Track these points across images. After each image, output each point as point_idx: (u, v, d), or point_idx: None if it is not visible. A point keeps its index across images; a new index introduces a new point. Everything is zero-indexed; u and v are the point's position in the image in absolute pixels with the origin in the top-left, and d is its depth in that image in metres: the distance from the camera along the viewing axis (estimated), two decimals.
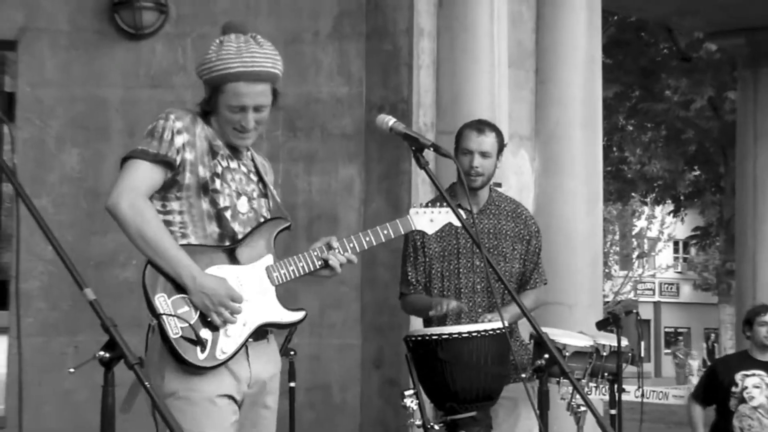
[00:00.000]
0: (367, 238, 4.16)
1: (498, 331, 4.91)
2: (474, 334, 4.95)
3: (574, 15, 7.91)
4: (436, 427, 4.90)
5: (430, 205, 4.49)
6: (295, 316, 4.08)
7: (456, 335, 4.96)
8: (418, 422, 4.87)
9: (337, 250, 4.06)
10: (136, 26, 7.70)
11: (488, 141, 5.48)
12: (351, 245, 4.12)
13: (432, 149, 3.93)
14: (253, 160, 4.19)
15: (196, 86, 7.78)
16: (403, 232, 4.27)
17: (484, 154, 5.44)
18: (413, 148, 3.97)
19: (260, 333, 4.01)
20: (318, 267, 4.06)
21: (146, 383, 2.97)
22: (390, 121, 4.05)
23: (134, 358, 3.04)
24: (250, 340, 3.96)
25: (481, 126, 5.57)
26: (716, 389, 7.66)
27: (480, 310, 5.42)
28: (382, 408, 7.42)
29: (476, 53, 7.34)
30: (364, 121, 7.65)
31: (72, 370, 3.22)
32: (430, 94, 7.44)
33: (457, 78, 7.36)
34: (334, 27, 7.80)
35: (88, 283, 3.10)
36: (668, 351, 51.34)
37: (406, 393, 4.90)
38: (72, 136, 7.74)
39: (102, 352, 3.09)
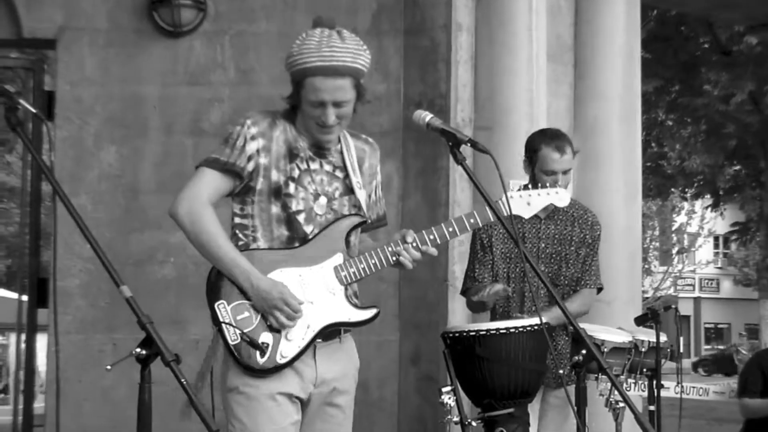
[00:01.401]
0: (450, 229, 4.11)
1: (536, 328, 4.89)
2: (512, 330, 4.93)
3: (613, 9, 7.86)
4: (474, 423, 4.89)
5: (528, 187, 4.36)
6: (366, 314, 4.07)
7: (494, 331, 4.94)
8: (456, 419, 4.86)
9: (412, 245, 4.03)
10: (175, 24, 7.73)
11: (569, 157, 5.46)
12: (431, 237, 4.07)
13: (469, 145, 3.91)
14: (342, 152, 4.17)
15: (234, 83, 7.89)
16: (492, 219, 4.15)
17: (565, 173, 5.44)
18: (450, 143, 3.95)
19: (330, 333, 4.02)
20: (392, 262, 4.05)
21: (182, 380, 2.98)
22: (427, 116, 4.04)
23: (171, 355, 3.05)
24: (319, 340, 3.98)
25: (561, 144, 5.47)
26: (764, 383, 7.58)
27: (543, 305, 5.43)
28: (420, 404, 7.42)
29: (514, 48, 7.31)
30: (402, 117, 7.64)
31: (109, 367, 3.24)
32: (468, 89, 7.42)
33: (495, 73, 7.33)
34: (372, 23, 7.80)
35: (125, 281, 3.12)
36: (708, 347, 51.10)
37: (444, 389, 4.89)
38: (110, 134, 7.78)
39: (139, 349, 3.11)
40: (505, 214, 4.10)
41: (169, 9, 7.70)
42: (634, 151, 7.96)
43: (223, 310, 3.88)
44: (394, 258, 4.03)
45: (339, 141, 4.18)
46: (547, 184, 4.59)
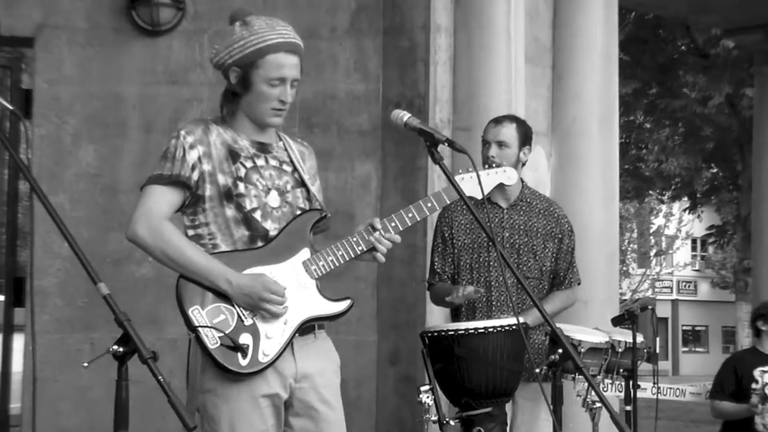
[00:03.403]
0: (410, 214, 4.13)
1: (514, 327, 4.90)
2: (490, 329, 4.95)
3: (591, 11, 7.89)
4: (452, 423, 4.90)
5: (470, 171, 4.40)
6: (340, 306, 4.06)
7: (472, 331, 4.96)
8: (434, 418, 4.87)
9: (379, 233, 4.03)
10: (153, 23, 7.71)
11: (505, 131, 5.51)
12: (393, 224, 4.09)
13: (447, 144, 3.92)
14: (286, 149, 4.17)
15: (213, 83, 7.81)
16: (448, 201, 4.21)
17: (500, 144, 5.47)
18: (428, 143, 3.96)
19: (305, 329, 4.00)
20: (359, 252, 4.03)
21: (160, 377, 2.98)
22: (405, 116, 4.04)
23: (148, 352, 3.04)
24: (296, 336, 3.95)
25: (500, 118, 5.65)
26: (737, 385, 7.61)
27: (511, 305, 5.42)
28: (398, 404, 7.42)
29: (493, 49, 7.33)
30: (381, 117, 7.64)
31: (86, 364, 3.23)
32: (447, 90, 7.44)
33: (473, 74, 7.35)
34: (351, 23, 7.80)
35: (104, 280, 3.11)
36: (685, 349, 51.28)
37: (422, 389, 4.90)
38: (89, 133, 7.75)
39: (116, 347, 3.10)
40: (452, 199, 4.14)
41: (147, 8, 7.68)
42: (611, 152, 7.99)
43: (198, 314, 3.82)
44: (360, 248, 4.02)
45: (280, 138, 4.18)
46: (494, 165, 4.66)
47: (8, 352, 8.14)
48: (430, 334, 5.07)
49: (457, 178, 4.22)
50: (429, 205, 4.18)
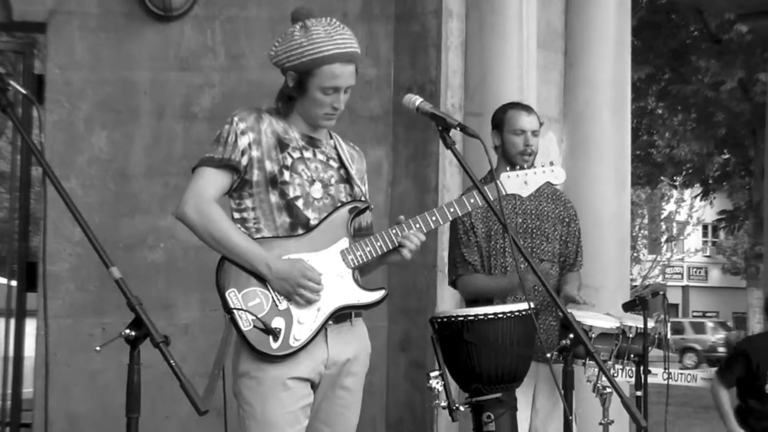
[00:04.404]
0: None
1: (524, 313, 4.90)
2: (500, 315, 4.95)
3: None
4: (462, 408, 4.91)
5: (518, 168, 4.45)
6: (374, 296, 4.15)
7: (482, 316, 4.95)
8: (444, 404, 4.87)
9: (410, 230, 4.13)
10: (165, 8, 7.71)
11: (536, 119, 5.55)
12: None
13: (459, 129, 3.93)
14: (336, 147, 4.27)
15: (225, 68, 7.87)
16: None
17: (534, 133, 5.50)
18: (440, 127, 3.98)
19: (341, 316, 4.09)
20: (396, 244, 4.12)
21: (171, 361, 2.99)
22: (417, 100, 4.06)
23: (160, 336, 3.06)
24: (330, 323, 4.05)
25: (528, 107, 5.67)
26: (748, 372, 7.52)
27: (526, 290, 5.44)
28: (408, 390, 7.43)
29: (505, 34, 7.31)
30: (392, 102, 7.64)
31: (98, 348, 3.24)
32: (458, 75, 7.42)
33: (485, 59, 7.33)
34: (362, 8, 7.79)
35: (115, 265, 3.12)
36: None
37: (432, 374, 4.90)
38: (101, 119, 7.76)
39: (128, 331, 3.11)
40: (491, 197, 4.15)
41: None
42: (623, 138, 7.97)
43: (234, 297, 3.94)
44: (399, 240, 4.11)
45: (331, 137, 4.29)
46: (532, 155, 4.65)
47: (20, 337, 8.17)
48: (440, 320, 5.07)
49: (503, 176, 4.35)
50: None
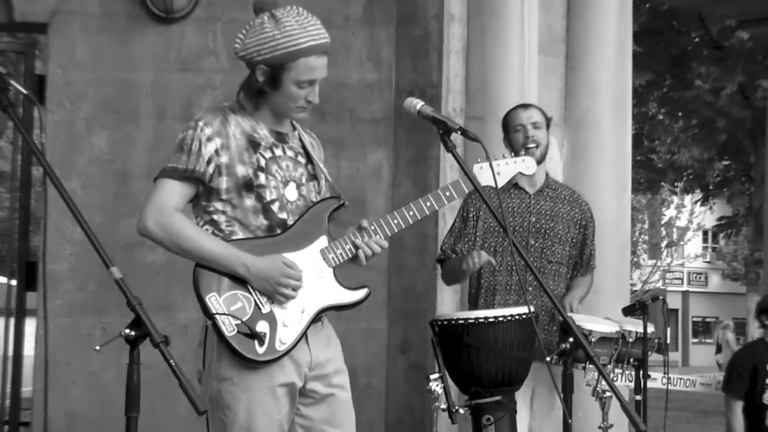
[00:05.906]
0: (428, 203, 4.12)
1: (524, 316, 4.91)
2: (500, 318, 4.96)
3: (605, 2, 7.86)
4: (461, 411, 4.91)
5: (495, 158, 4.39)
6: (357, 294, 4.05)
7: (482, 320, 4.96)
8: (443, 406, 4.88)
9: (365, 238, 4.02)
10: (167, 10, 7.72)
11: (534, 113, 5.61)
12: (410, 213, 4.09)
13: (460, 133, 3.92)
14: (300, 139, 4.13)
15: (226, 70, 7.87)
16: (466, 191, 4.19)
17: (535, 125, 5.54)
18: (441, 131, 3.96)
19: (317, 317, 3.98)
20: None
21: (171, 361, 2.99)
22: (418, 104, 4.04)
23: (159, 336, 3.05)
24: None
25: (525, 104, 5.79)
26: (749, 380, 7.51)
27: (530, 289, 5.45)
28: (408, 392, 7.43)
29: (506, 39, 7.32)
30: (393, 106, 7.65)
31: (98, 347, 3.21)
32: (460, 79, 7.43)
33: (486, 63, 7.34)
34: (364, 12, 7.80)
35: (115, 265, 3.11)
36: (695, 341, 51.23)
37: (432, 377, 4.91)
38: (102, 119, 7.77)
39: (128, 330, 3.10)
40: (467, 191, 4.14)
41: None
42: (624, 143, 7.97)
43: (215, 301, 3.79)
44: (378, 237, 4.03)
45: (294, 128, 4.15)
46: (512, 154, 4.66)
47: (20, 336, 8.18)
48: (440, 323, 5.08)
49: (476, 167, 4.23)
50: (447, 194, 4.15)
